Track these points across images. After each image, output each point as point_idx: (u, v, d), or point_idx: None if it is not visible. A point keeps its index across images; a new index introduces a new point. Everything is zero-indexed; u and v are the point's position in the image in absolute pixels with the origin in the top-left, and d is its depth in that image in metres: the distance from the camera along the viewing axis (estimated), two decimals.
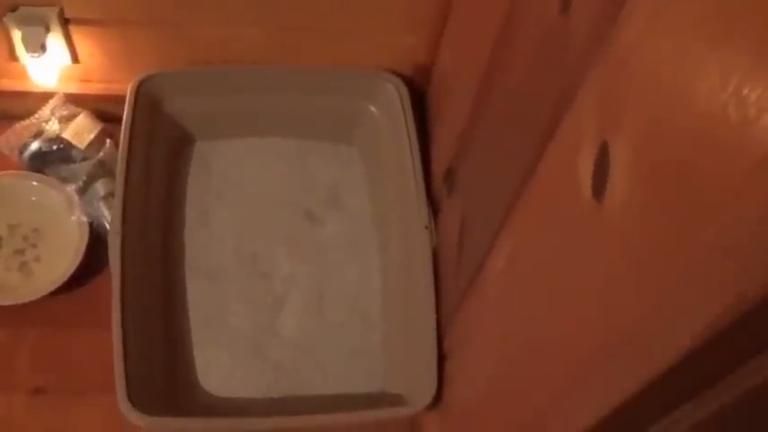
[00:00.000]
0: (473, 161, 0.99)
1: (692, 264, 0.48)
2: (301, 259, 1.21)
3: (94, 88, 1.28)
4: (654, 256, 0.52)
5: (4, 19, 1.13)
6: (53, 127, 1.22)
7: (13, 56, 1.20)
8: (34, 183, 1.22)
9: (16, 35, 1.15)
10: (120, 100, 1.20)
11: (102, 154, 1.23)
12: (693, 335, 0.49)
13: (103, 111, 1.28)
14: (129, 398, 0.98)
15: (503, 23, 0.86)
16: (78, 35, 1.18)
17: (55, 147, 1.22)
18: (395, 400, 1.09)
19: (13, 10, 1.12)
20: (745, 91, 0.42)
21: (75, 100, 1.27)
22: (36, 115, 1.24)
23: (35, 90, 1.25)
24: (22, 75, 1.23)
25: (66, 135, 1.22)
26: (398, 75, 1.24)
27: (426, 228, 1.12)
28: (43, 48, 1.15)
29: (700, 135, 0.47)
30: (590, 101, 0.61)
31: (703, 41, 0.47)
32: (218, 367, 1.12)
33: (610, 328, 0.59)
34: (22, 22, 1.13)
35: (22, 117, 1.25)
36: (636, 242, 0.55)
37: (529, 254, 0.75)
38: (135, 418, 0.97)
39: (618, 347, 0.58)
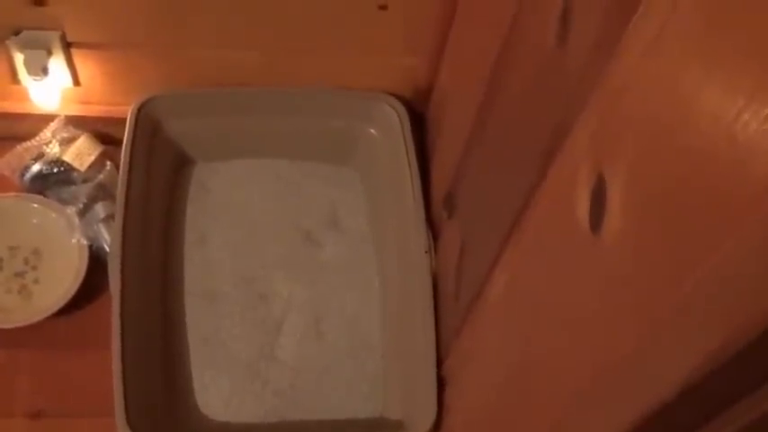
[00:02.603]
0: (471, 186, 0.99)
1: (690, 296, 0.48)
2: (300, 282, 1.21)
3: (95, 111, 1.28)
4: (651, 288, 0.52)
5: (7, 42, 1.14)
6: (54, 149, 1.22)
7: (14, 79, 1.20)
8: (35, 205, 1.22)
9: (18, 58, 1.15)
10: (120, 122, 1.20)
11: (102, 176, 1.23)
12: (692, 367, 0.49)
13: (104, 133, 1.29)
14: (128, 421, 0.98)
15: (501, 50, 0.87)
16: (80, 58, 1.19)
17: (55, 169, 1.22)
18: (394, 425, 1.09)
19: (17, 33, 1.13)
20: (743, 120, 0.42)
21: (76, 122, 1.27)
22: (37, 137, 1.24)
23: (36, 112, 1.26)
24: (24, 97, 1.24)
25: (67, 157, 1.22)
26: (398, 97, 1.24)
27: (426, 252, 1.12)
28: (45, 71, 1.16)
29: (696, 167, 0.47)
30: (586, 132, 0.62)
31: (698, 74, 0.47)
32: (216, 391, 1.12)
33: (607, 359, 0.59)
34: (25, 46, 1.14)
35: (23, 139, 1.25)
36: (633, 274, 0.55)
37: (527, 282, 0.75)
38: None
39: (615, 378, 0.58)
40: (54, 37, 1.14)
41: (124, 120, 1.19)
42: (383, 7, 1.13)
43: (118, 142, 1.23)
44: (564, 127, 0.65)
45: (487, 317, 0.86)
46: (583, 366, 0.62)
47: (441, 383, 1.04)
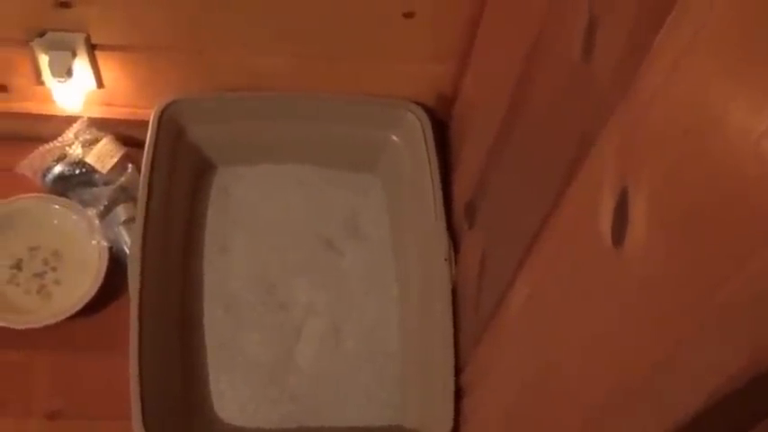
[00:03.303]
0: (493, 197, 0.99)
1: (714, 313, 0.48)
2: (319, 289, 1.21)
3: (118, 113, 1.28)
4: (672, 306, 0.52)
5: (32, 44, 1.14)
6: (76, 151, 1.23)
7: (38, 80, 1.20)
8: (56, 206, 1.22)
9: (43, 60, 1.16)
10: (143, 125, 1.20)
11: (123, 179, 1.23)
12: (714, 386, 0.48)
13: (126, 135, 1.29)
14: (145, 425, 0.98)
15: (526, 61, 0.86)
16: (104, 60, 1.19)
17: (77, 171, 1.22)
18: None
19: (41, 35, 1.13)
20: None
21: (99, 124, 1.27)
22: (60, 139, 1.25)
23: (59, 114, 1.26)
24: (47, 98, 1.24)
25: (89, 159, 1.22)
26: (421, 105, 1.24)
27: (446, 260, 1.11)
28: (69, 72, 1.16)
29: (722, 184, 0.46)
30: (610, 146, 0.61)
31: (726, 88, 0.47)
32: (233, 396, 1.12)
33: (625, 375, 0.58)
34: (50, 47, 1.14)
35: (45, 140, 1.25)
36: (654, 291, 0.54)
37: (548, 295, 0.74)
38: None
39: (633, 395, 0.57)
40: (79, 39, 1.14)
41: (147, 122, 1.19)
42: (409, 15, 1.12)
43: (140, 145, 1.23)
44: (588, 139, 0.65)
45: (507, 328, 0.86)
46: (602, 381, 0.62)
47: (458, 393, 1.04)
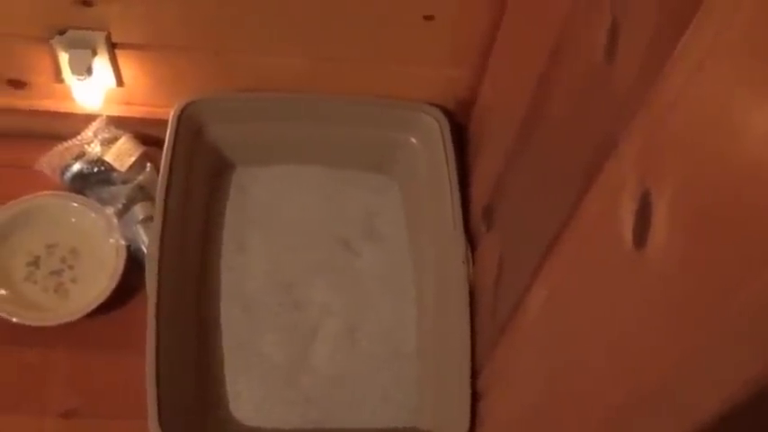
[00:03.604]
0: (512, 200, 0.99)
1: (735, 317, 0.47)
2: (336, 290, 1.20)
3: (137, 111, 1.28)
4: (694, 309, 0.51)
5: (52, 41, 1.14)
6: (95, 149, 1.23)
7: (58, 77, 1.21)
8: (74, 204, 1.22)
9: (63, 57, 1.16)
10: (161, 124, 1.21)
11: (142, 177, 1.23)
12: (733, 392, 0.47)
13: (144, 134, 1.29)
14: (161, 424, 0.97)
15: (547, 64, 0.86)
16: (124, 59, 1.19)
17: (96, 169, 1.22)
18: None
19: (62, 33, 1.13)
20: None
21: (117, 123, 1.27)
22: (79, 137, 1.25)
23: (78, 112, 1.26)
24: (67, 96, 1.24)
25: (108, 158, 1.22)
26: (440, 108, 1.23)
27: (463, 262, 1.11)
28: (89, 71, 1.16)
29: (746, 187, 0.46)
30: (632, 149, 0.61)
31: (748, 93, 0.46)
32: (249, 396, 1.11)
33: (644, 378, 0.58)
34: (70, 45, 1.14)
35: (64, 138, 1.26)
36: (675, 293, 0.54)
37: (567, 297, 0.74)
38: None
39: (652, 397, 0.57)
40: (99, 37, 1.14)
41: (165, 121, 1.19)
42: (429, 18, 1.12)
43: (158, 144, 1.23)
44: (609, 142, 0.64)
45: (525, 330, 0.85)
46: (621, 383, 0.61)
47: (475, 396, 1.03)
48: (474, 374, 1.05)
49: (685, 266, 0.53)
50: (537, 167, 0.88)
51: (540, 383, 0.79)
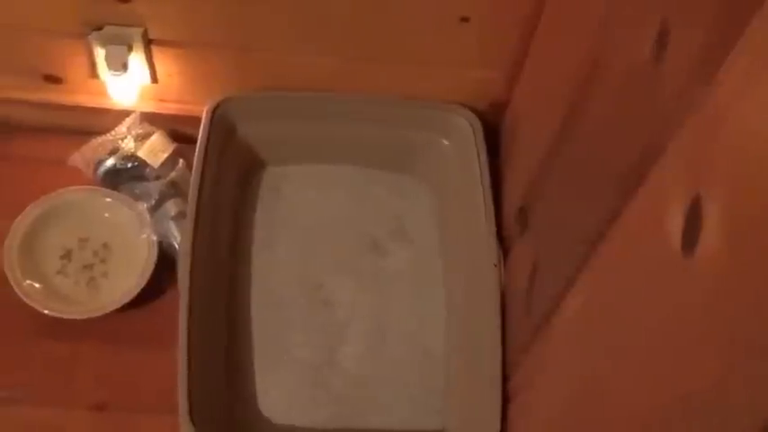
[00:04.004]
0: (548, 203, 0.98)
1: None
2: (365, 290, 1.20)
3: (170, 108, 1.29)
4: (744, 317, 0.51)
5: (89, 37, 1.15)
6: (129, 145, 1.23)
7: (93, 73, 1.21)
8: (108, 199, 1.23)
9: (99, 53, 1.16)
10: (193, 121, 1.21)
11: (174, 174, 1.23)
12: None
13: (176, 131, 1.30)
14: (192, 419, 0.98)
15: (587, 65, 0.86)
16: (159, 55, 1.20)
17: (129, 164, 1.23)
18: None
19: (99, 29, 1.14)
20: None
21: (150, 119, 1.28)
22: (112, 132, 1.25)
23: (112, 107, 1.27)
24: (101, 92, 1.25)
25: (141, 153, 1.23)
26: (472, 109, 1.23)
27: (495, 265, 1.11)
28: (125, 66, 1.17)
29: None
30: (682, 153, 0.60)
31: None
32: (278, 394, 1.12)
33: (687, 386, 0.57)
34: (107, 41, 1.15)
35: (98, 133, 1.26)
36: (725, 300, 0.53)
37: (607, 301, 0.73)
38: None
39: (695, 407, 0.56)
40: (136, 33, 1.15)
41: (197, 118, 1.19)
42: (465, 19, 1.12)
43: (190, 140, 1.24)
44: (655, 147, 0.64)
45: (560, 334, 0.85)
46: (659, 391, 0.61)
47: (505, 399, 1.03)
48: (504, 377, 1.04)
49: (736, 273, 0.52)
50: (575, 170, 0.88)
51: (576, 387, 0.78)
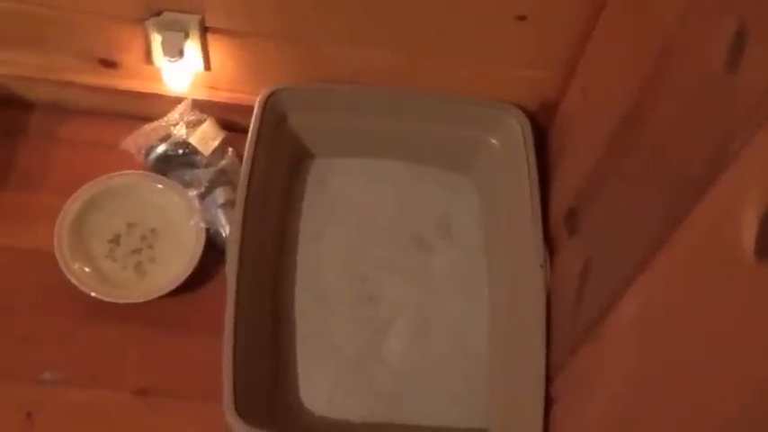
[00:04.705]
0: (602, 205, 0.98)
1: None
2: (409, 285, 1.21)
3: (221, 97, 1.29)
4: None
5: (147, 23, 1.16)
6: (180, 131, 1.24)
7: (149, 59, 1.22)
8: (158, 185, 1.23)
9: (156, 39, 1.17)
10: (243, 110, 1.21)
11: (224, 162, 1.24)
12: None
13: (226, 119, 1.30)
14: (236, 407, 0.98)
15: (651, 69, 0.85)
16: (214, 43, 1.20)
17: (180, 151, 1.23)
18: None
19: (157, 14, 1.15)
20: None
21: (202, 106, 1.28)
22: (165, 118, 1.26)
23: (165, 94, 1.28)
24: (155, 78, 1.26)
25: (193, 140, 1.23)
26: (523, 109, 1.23)
27: (541, 266, 1.10)
28: (181, 53, 1.17)
29: None
30: (759, 157, 0.60)
31: None
32: (320, 386, 1.12)
33: (751, 397, 0.57)
34: (164, 27, 1.15)
35: (149, 119, 1.27)
36: None
37: (669, 303, 0.73)
38: (239, 427, 0.97)
39: (757, 418, 0.56)
40: (193, 20, 1.15)
41: (247, 108, 1.20)
42: (522, 18, 1.11)
43: (238, 129, 1.24)
44: (726, 153, 0.64)
45: (615, 337, 0.84)
46: (724, 401, 0.60)
47: (548, 401, 1.02)
48: (547, 379, 1.04)
49: None
50: (635, 173, 0.87)
51: (632, 390, 0.78)
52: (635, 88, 0.89)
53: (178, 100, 1.27)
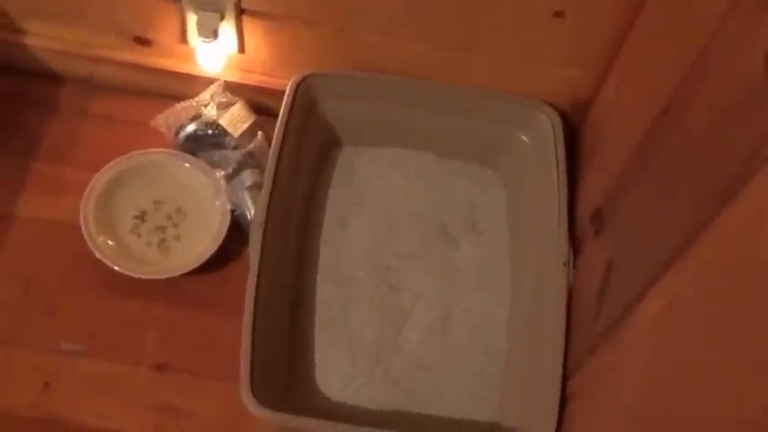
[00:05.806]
0: (630, 205, 0.97)
1: None
2: (432, 277, 1.20)
3: (253, 80, 1.30)
4: None
5: (183, 2, 1.16)
6: (211, 112, 1.24)
7: (183, 38, 1.22)
8: (186, 164, 1.24)
9: (191, 19, 1.17)
10: (274, 94, 1.22)
11: (252, 145, 1.24)
12: None
13: (257, 102, 1.30)
14: (252, 388, 0.98)
15: (689, 70, 0.84)
16: (249, 26, 1.20)
17: (210, 131, 1.24)
18: None
19: None
20: None
21: (233, 89, 1.29)
22: (196, 98, 1.27)
23: (198, 74, 1.28)
24: (189, 58, 1.26)
25: (223, 122, 1.24)
26: (555, 107, 1.22)
27: (565, 264, 1.10)
28: (215, 34, 1.17)
29: None
30: None
31: None
32: (337, 372, 1.12)
33: None
34: (200, 7, 1.16)
35: (181, 98, 1.28)
36: None
37: (692, 307, 0.72)
38: (254, 408, 0.97)
39: None
40: (229, 2, 1.15)
41: (278, 92, 1.20)
42: (559, 14, 1.11)
43: (269, 113, 1.25)
44: (761, 154, 0.63)
45: (637, 337, 0.84)
46: (749, 403, 0.60)
47: (563, 398, 1.02)
48: (564, 376, 1.03)
49: None
50: (665, 174, 0.86)
51: (653, 391, 0.77)
52: (670, 88, 0.89)
53: (210, 81, 1.28)
